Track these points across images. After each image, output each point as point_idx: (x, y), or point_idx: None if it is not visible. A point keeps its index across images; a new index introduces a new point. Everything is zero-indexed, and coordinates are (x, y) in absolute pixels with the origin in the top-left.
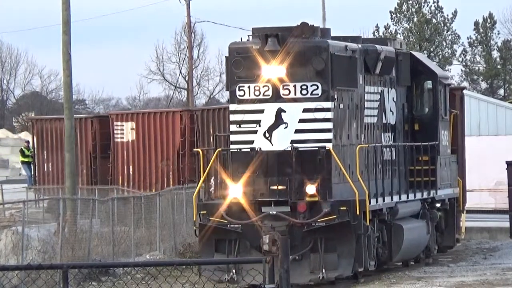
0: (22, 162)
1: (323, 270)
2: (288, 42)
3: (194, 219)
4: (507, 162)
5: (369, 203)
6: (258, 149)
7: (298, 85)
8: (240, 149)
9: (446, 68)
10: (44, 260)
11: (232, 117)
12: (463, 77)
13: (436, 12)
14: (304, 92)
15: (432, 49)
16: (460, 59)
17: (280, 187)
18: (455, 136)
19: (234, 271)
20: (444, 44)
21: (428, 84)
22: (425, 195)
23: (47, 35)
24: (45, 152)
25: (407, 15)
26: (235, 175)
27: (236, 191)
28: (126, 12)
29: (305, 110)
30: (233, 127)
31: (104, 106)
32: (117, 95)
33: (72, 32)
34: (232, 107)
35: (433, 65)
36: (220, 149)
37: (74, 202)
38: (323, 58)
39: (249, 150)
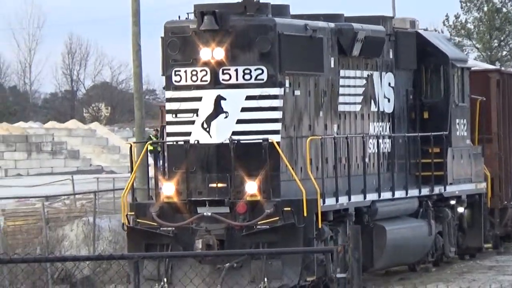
0: (150, 151)
1: (265, 279)
2: (229, 20)
3: (122, 221)
4: None
5: (323, 202)
6: (195, 142)
7: (240, 69)
8: (176, 141)
9: None
10: (115, 251)
11: (168, 106)
12: None
13: (507, 1)
14: (247, 77)
15: (502, 38)
16: None
17: (220, 185)
18: (482, 125)
19: (165, 280)
20: None
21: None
22: (425, 191)
23: (117, 26)
24: None
25: (477, 4)
26: (170, 171)
27: (169, 189)
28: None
29: (248, 98)
30: (169, 117)
31: None
32: None
33: (141, 22)
34: (168, 94)
35: (446, 46)
36: (150, 142)
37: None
38: (269, 39)
39: (183, 143)
